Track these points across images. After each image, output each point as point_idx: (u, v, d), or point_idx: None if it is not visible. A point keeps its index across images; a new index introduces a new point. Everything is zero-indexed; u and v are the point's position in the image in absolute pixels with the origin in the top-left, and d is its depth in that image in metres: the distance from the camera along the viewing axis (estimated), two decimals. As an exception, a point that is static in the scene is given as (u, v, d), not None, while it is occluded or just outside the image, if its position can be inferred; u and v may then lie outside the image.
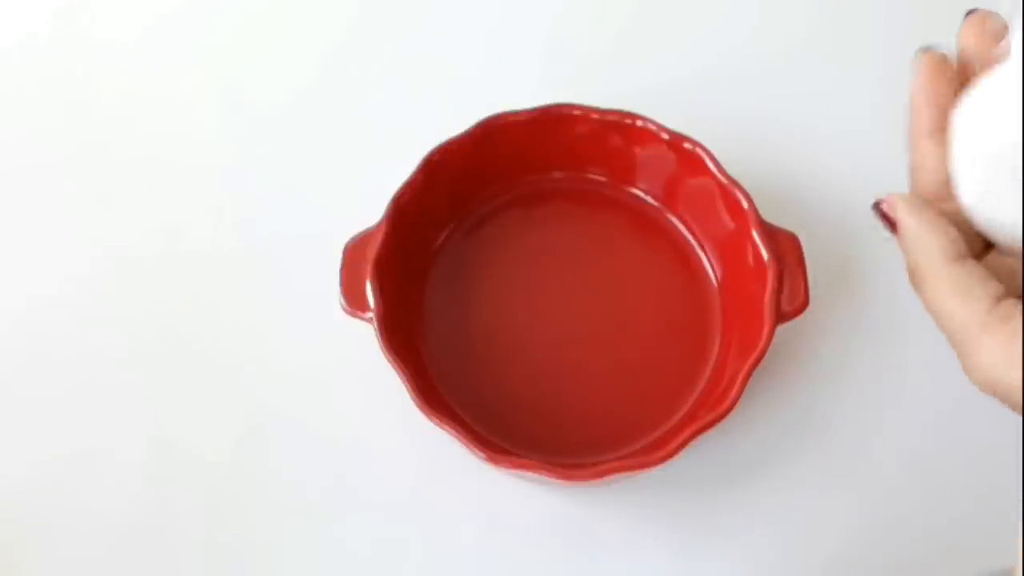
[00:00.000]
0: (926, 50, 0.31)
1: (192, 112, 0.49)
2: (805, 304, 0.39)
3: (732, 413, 0.36)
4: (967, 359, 0.29)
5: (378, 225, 0.40)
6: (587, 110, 0.43)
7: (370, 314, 0.38)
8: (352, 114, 0.49)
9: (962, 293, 0.29)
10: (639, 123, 0.42)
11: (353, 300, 0.39)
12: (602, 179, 0.45)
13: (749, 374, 0.37)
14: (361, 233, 0.40)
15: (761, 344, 0.37)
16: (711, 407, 0.37)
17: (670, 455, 0.36)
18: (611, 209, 0.45)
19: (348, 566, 0.39)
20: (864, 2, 0.51)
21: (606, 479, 0.36)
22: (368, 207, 0.40)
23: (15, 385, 0.43)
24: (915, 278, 0.30)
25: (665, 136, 0.42)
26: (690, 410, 0.40)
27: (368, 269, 0.39)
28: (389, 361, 0.37)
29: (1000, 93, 0.28)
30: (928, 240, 0.30)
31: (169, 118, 0.49)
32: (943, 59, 0.31)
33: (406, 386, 0.37)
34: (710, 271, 0.43)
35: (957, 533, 0.39)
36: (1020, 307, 0.28)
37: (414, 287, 0.42)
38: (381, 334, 0.38)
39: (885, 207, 0.31)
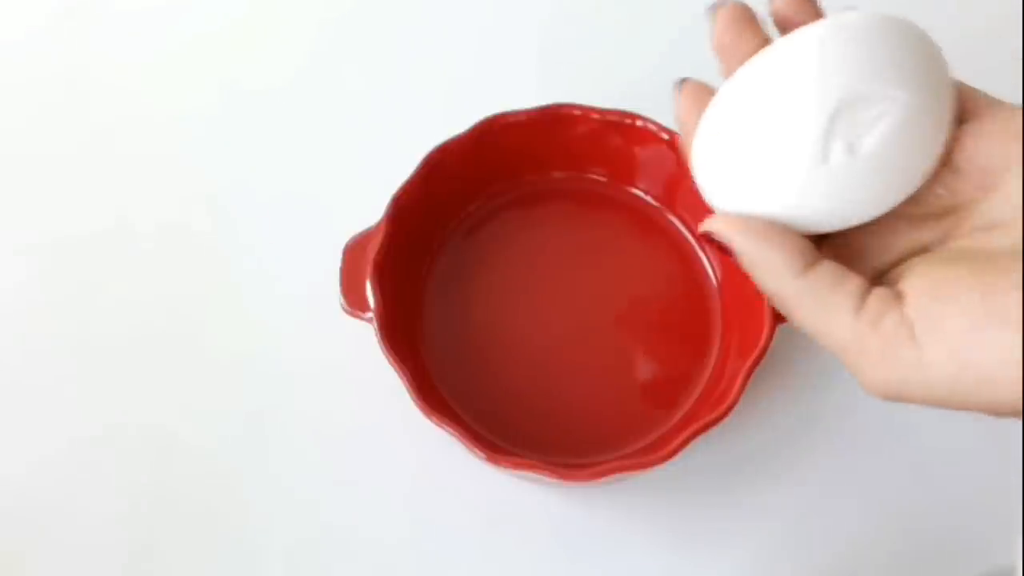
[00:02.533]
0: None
1: (192, 111, 0.49)
2: (805, 304, 0.39)
3: (732, 413, 0.36)
4: (857, 377, 0.26)
5: (378, 225, 0.40)
6: (587, 110, 0.43)
7: (370, 314, 0.38)
8: (352, 114, 0.49)
9: (823, 310, 0.26)
10: (639, 123, 0.42)
11: (353, 300, 0.39)
12: (602, 179, 0.45)
13: (749, 374, 0.37)
14: (361, 233, 0.40)
15: (761, 344, 0.37)
16: (711, 407, 0.37)
17: (670, 455, 0.36)
18: (611, 209, 0.45)
19: (348, 565, 0.39)
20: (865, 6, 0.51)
21: (606, 479, 0.36)
22: (368, 207, 0.40)
23: (15, 379, 0.43)
24: (774, 302, 0.28)
25: (665, 136, 0.42)
26: (690, 410, 0.40)
27: (368, 269, 0.39)
28: (389, 361, 0.37)
29: (723, 100, 0.29)
30: (769, 260, 0.27)
31: (168, 117, 0.49)
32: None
33: (406, 386, 0.37)
34: (710, 271, 0.43)
35: (957, 533, 0.39)
36: (886, 296, 0.26)
37: (414, 287, 0.42)
38: (381, 334, 0.38)
39: (716, 236, 0.28)
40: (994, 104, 0.28)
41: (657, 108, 0.42)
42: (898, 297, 0.26)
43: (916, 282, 0.26)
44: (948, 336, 0.24)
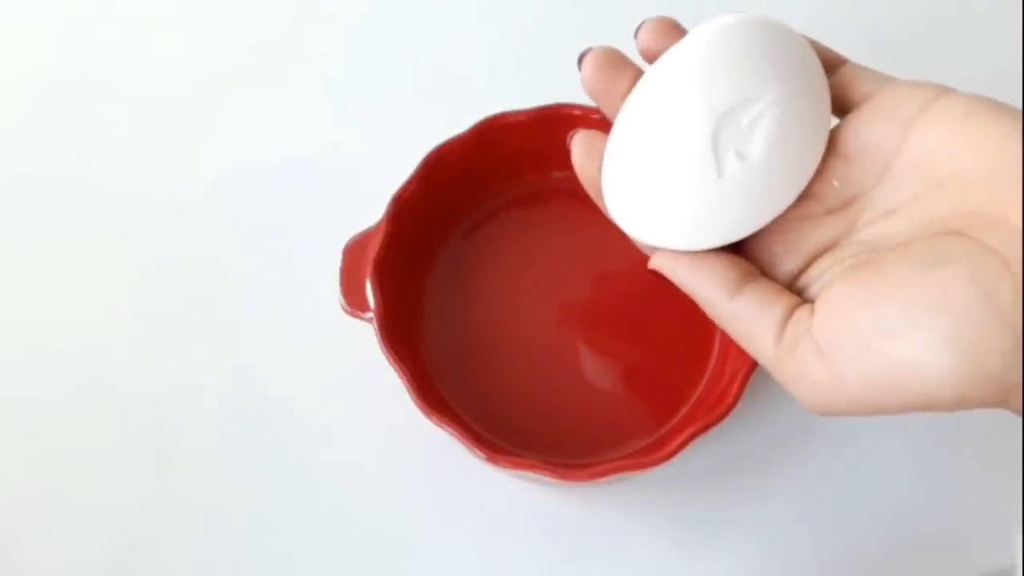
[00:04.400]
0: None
1: (191, 111, 0.49)
2: (805, 304, 0.39)
3: (732, 413, 0.36)
4: (791, 391, 0.27)
5: (378, 225, 0.40)
6: (587, 110, 0.42)
7: (370, 314, 0.38)
8: (352, 114, 0.49)
9: (749, 337, 0.28)
10: (639, 123, 0.42)
11: (353, 300, 0.39)
12: (602, 179, 0.45)
13: (749, 374, 0.37)
14: (361, 233, 0.40)
15: (761, 344, 0.37)
16: (711, 407, 0.37)
17: (670, 455, 0.36)
18: (611, 209, 0.44)
19: (347, 566, 0.39)
20: (862, 5, 0.51)
21: (606, 479, 0.36)
22: (368, 207, 0.40)
23: (17, 384, 0.43)
24: (718, 326, 0.29)
25: (665, 136, 0.42)
26: (690, 410, 0.40)
27: (368, 269, 0.39)
28: (389, 361, 0.37)
29: (618, 137, 0.29)
30: (701, 284, 0.28)
31: (167, 117, 0.49)
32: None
33: (406, 386, 0.37)
34: (710, 271, 0.43)
35: (957, 533, 0.39)
36: (804, 318, 0.27)
37: (414, 287, 0.42)
38: (381, 334, 0.38)
39: (660, 271, 0.29)
40: (883, 85, 0.29)
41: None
42: (812, 315, 0.27)
43: (821, 299, 0.27)
44: (848, 351, 0.25)
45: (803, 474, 0.40)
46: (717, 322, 0.29)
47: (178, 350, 0.43)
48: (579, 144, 0.30)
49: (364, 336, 0.38)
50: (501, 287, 0.43)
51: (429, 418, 0.36)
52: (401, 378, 0.37)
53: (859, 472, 0.40)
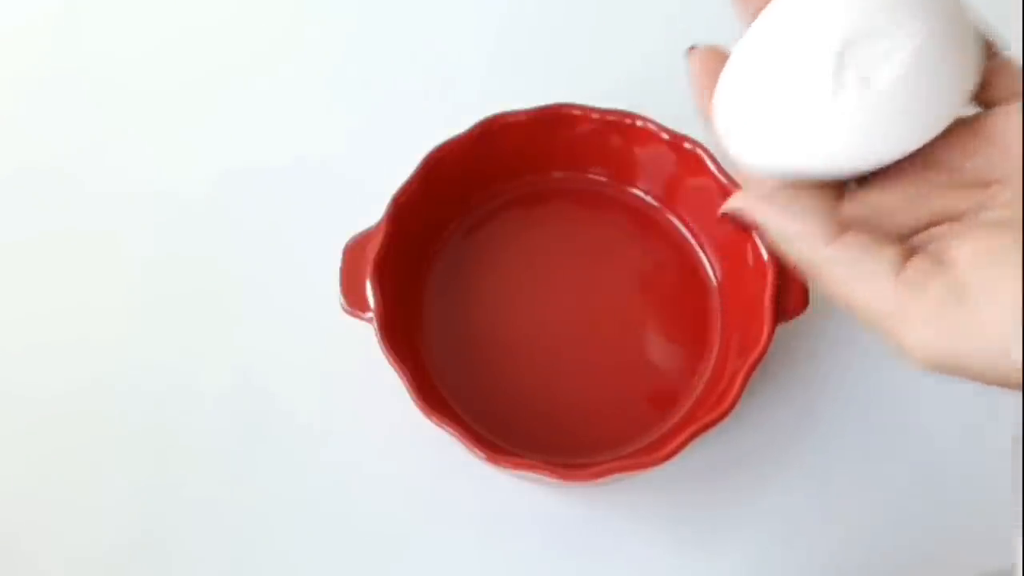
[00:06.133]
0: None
1: (191, 111, 0.49)
2: (805, 304, 0.39)
3: (732, 413, 0.36)
4: (900, 346, 0.25)
5: (378, 225, 0.40)
6: (587, 110, 0.43)
7: (370, 314, 0.38)
8: (352, 114, 0.49)
9: (860, 277, 0.26)
10: (639, 123, 0.42)
11: (353, 300, 0.39)
12: (602, 179, 0.45)
13: (749, 374, 0.37)
14: (361, 233, 0.40)
15: (761, 344, 0.37)
16: (711, 407, 0.37)
17: (670, 455, 0.36)
18: (611, 209, 0.44)
19: (347, 565, 0.39)
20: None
21: (606, 479, 0.36)
22: (368, 207, 0.40)
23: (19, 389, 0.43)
24: (807, 273, 0.27)
25: (665, 136, 0.42)
26: (690, 410, 0.40)
27: (368, 269, 0.39)
28: (389, 361, 0.37)
29: (739, 55, 0.28)
30: (798, 230, 0.27)
31: (166, 117, 0.49)
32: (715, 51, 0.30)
33: (406, 386, 0.37)
34: (710, 271, 0.43)
35: (957, 533, 0.39)
36: (924, 263, 0.25)
37: (414, 287, 0.42)
38: (381, 334, 0.38)
39: (737, 214, 0.28)
40: None
41: (657, 108, 0.43)
42: (939, 263, 0.25)
43: (964, 247, 0.25)
44: (1007, 297, 0.24)
45: (802, 474, 0.40)
46: (809, 268, 0.27)
47: (178, 349, 0.43)
48: (697, 59, 0.30)
49: (364, 336, 0.38)
50: (501, 287, 0.43)
51: (429, 418, 0.36)
52: (401, 378, 0.37)
53: (858, 472, 0.40)
